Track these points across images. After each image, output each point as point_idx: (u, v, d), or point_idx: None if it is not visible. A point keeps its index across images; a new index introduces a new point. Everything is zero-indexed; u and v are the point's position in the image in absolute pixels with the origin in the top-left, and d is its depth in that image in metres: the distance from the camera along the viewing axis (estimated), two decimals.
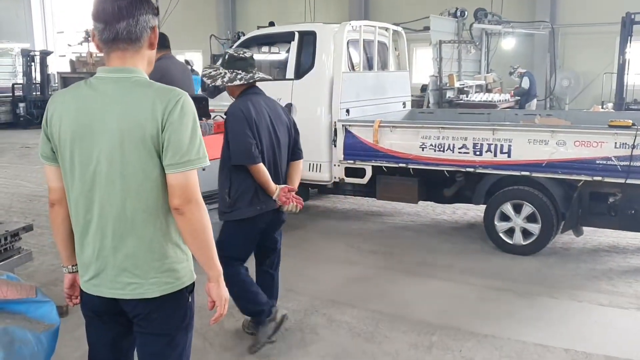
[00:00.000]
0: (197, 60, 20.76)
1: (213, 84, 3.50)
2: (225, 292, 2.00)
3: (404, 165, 5.73)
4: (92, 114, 1.83)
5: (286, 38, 6.56)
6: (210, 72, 3.50)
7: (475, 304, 4.39)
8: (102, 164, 1.84)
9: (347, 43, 6.30)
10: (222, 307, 1.99)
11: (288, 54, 6.51)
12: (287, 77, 6.38)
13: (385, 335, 3.85)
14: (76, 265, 2.03)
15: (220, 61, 3.56)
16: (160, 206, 1.88)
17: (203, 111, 5.62)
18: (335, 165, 6.18)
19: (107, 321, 2.03)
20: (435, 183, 5.87)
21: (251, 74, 3.43)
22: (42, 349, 1.95)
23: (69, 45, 17.63)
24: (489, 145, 5.31)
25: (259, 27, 15.02)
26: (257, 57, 7.82)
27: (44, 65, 17.23)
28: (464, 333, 3.87)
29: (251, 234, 3.55)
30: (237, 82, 3.42)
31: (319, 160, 6.24)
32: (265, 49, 7.67)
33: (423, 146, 5.59)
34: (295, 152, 3.69)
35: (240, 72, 3.42)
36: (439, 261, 5.31)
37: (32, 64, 17.25)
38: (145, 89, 1.86)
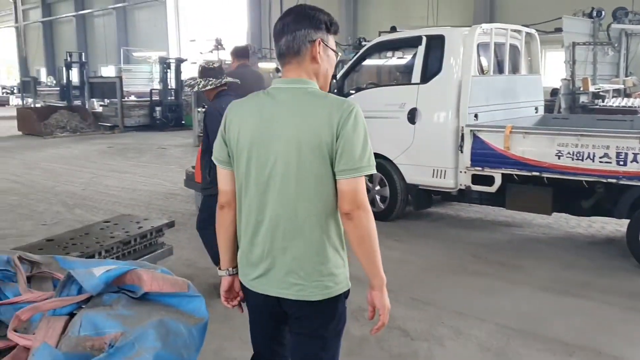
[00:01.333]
0: None
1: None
2: (387, 301, 2.01)
3: (537, 173, 5.44)
4: (270, 121, 1.94)
5: (413, 42, 6.49)
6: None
7: (617, 326, 4.06)
8: (278, 168, 1.93)
9: (477, 46, 6.11)
10: (385, 316, 2.00)
11: (414, 59, 6.44)
12: (412, 82, 6.31)
13: (517, 352, 3.66)
14: (235, 267, 2.15)
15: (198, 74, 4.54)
16: (327, 211, 1.95)
17: None
18: (461, 171, 6.01)
19: (268, 318, 2.12)
20: (572, 194, 5.51)
21: (219, 79, 4.40)
22: (192, 342, 2.04)
23: (201, 53, 18.70)
24: (635, 154, 4.90)
25: (380, 33, 15.11)
26: (381, 62, 7.89)
27: (178, 72, 18.37)
28: (606, 357, 3.59)
29: None
30: (209, 87, 4.40)
31: (444, 166, 6.11)
32: (389, 54, 7.68)
33: (559, 154, 5.27)
34: None
35: (211, 79, 4.39)
36: (575, 277, 4.97)
37: (168, 70, 18.44)
38: (321, 99, 1.95)
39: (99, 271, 2.14)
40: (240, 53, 7.17)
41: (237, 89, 6.91)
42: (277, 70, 11.41)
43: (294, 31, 1.96)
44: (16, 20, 37.59)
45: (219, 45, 18.88)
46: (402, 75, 6.84)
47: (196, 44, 22.05)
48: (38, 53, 38.47)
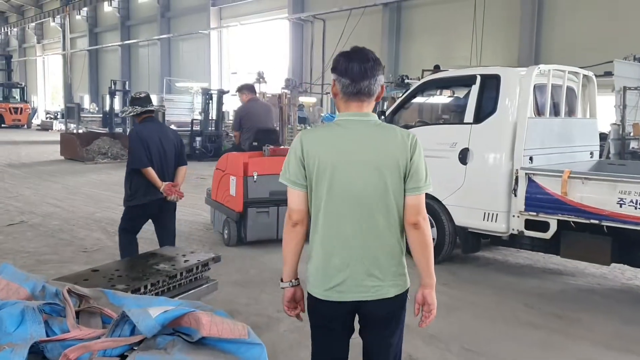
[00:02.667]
0: None
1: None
2: (435, 298, 2.40)
3: (596, 221, 5.16)
4: (350, 146, 2.29)
5: (466, 81, 6.34)
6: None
7: None
8: (361, 187, 2.27)
9: (534, 87, 5.93)
10: (435, 311, 2.40)
11: (466, 98, 6.28)
12: (465, 121, 6.14)
13: None
14: (297, 279, 2.43)
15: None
16: (398, 221, 2.34)
17: (274, 140, 7.65)
18: (514, 216, 5.76)
19: (335, 327, 2.40)
20: (634, 244, 5.21)
21: (144, 107, 5.13)
22: None
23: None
24: None
25: (424, 71, 15.05)
26: (431, 100, 7.76)
27: (219, 103, 18.58)
28: None
29: (144, 215, 5.25)
30: (133, 113, 5.14)
31: (496, 210, 5.87)
32: (438, 92, 7.55)
33: (621, 202, 5.00)
34: (180, 161, 5.29)
35: (136, 107, 5.13)
36: (637, 334, 4.64)
37: (210, 101, 18.67)
38: (391, 129, 2.38)
39: (156, 312, 2.00)
40: (249, 89, 8.46)
41: (249, 118, 7.95)
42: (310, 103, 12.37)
43: (375, 76, 2.32)
44: (64, 48, 38.88)
45: (260, 78, 19.13)
46: (454, 115, 6.68)
47: (238, 77, 22.38)
48: (83, 80, 39.64)
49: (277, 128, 8.37)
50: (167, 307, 2.06)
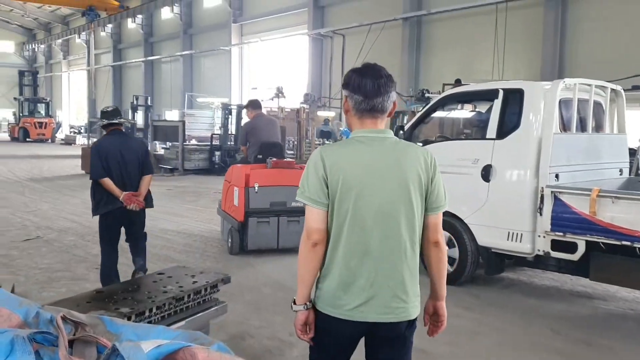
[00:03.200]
0: None
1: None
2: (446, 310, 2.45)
3: (628, 243, 4.89)
4: (376, 163, 2.26)
5: (488, 96, 6.14)
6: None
7: None
8: (388, 205, 2.24)
9: (559, 102, 5.70)
10: (445, 321, 2.45)
11: (489, 113, 6.08)
12: (487, 137, 5.92)
13: None
14: (311, 302, 2.34)
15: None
16: (419, 239, 2.32)
17: (277, 153, 7.96)
18: (539, 236, 5.51)
19: (347, 346, 2.37)
20: None
21: (109, 120, 5.49)
22: None
23: (262, 100, 18.87)
24: None
25: (444, 86, 14.84)
26: (452, 115, 7.57)
27: (239, 118, 18.55)
28: None
29: (113, 223, 5.43)
30: (100, 124, 5.67)
31: (520, 229, 5.62)
32: (459, 106, 7.36)
33: None
34: (144, 170, 5.51)
35: (103, 120, 5.51)
36: None
37: (229, 116, 18.65)
38: (412, 147, 2.37)
39: (148, 346, 1.83)
40: (254, 105, 8.89)
41: (254, 133, 8.43)
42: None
43: (388, 93, 2.30)
44: (88, 64, 39.48)
45: (279, 93, 19.11)
46: (476, 130, 6.47)
47: (258, 92, 22.38)
48: (106, 95, 40.09)
49: (281, 142, 9.03)
50: (161, 341, 1.89)
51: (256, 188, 7.20)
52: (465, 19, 18.71)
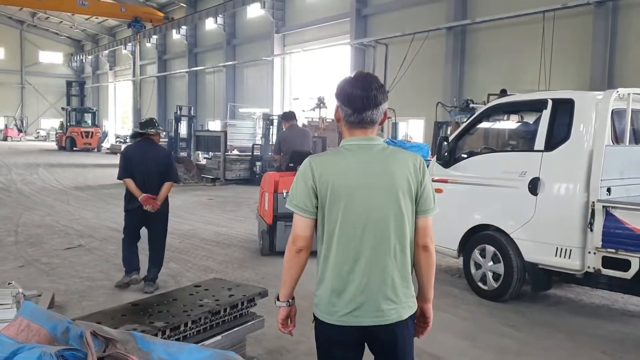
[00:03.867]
0: (419, 127, 20.79)
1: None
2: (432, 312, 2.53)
3: None
4: (363, 170, 2.30)
5: (536, 106, 5.94)
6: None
7: None
8: (376, 210, 2.28)
9: (612, 112, 5.44)
10: (431, 324, 2.54)
11: (537, 124, 5.86)
12: (535, 149, 5.70)
13: None
14: (293, 298, 2.49)
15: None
16: (409, 243, 2.36)
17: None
18: (590, 252, 5.27)
19: (347, 349, 2.40)
20: None
21: (137, 132, 6.29)
22: None
23: (303, 110, 18.92)
24: None
25: (489, 96, 14.51)
26: (496, 126, 7.34)
27: (280, 128, 18.59)
28: None
29: (135, 220, 6.19)
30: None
31: (570, 245, 5.38)
32: (506, 117, 7.15)
33: None
34: (166, 177, 6.07)
35: (136, 130, 6.10)
36: None
37: (271, 127, 18.70)
38: (400, 153, 2.40)
39: None
40: (289, 117, 9.51)
41: (287, 143, 9.13)
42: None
43: (378, 106, 2.33)
44: (134, 74, 40.44)
45: (321, 103, 19.06)
46: (523, 141, 6.25)
47: (299, 102, 22.43)
48: (151, 105, 40.94)
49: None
50: None
51: (284, 194, 7.48)
52: (511, 28, 18.32)
